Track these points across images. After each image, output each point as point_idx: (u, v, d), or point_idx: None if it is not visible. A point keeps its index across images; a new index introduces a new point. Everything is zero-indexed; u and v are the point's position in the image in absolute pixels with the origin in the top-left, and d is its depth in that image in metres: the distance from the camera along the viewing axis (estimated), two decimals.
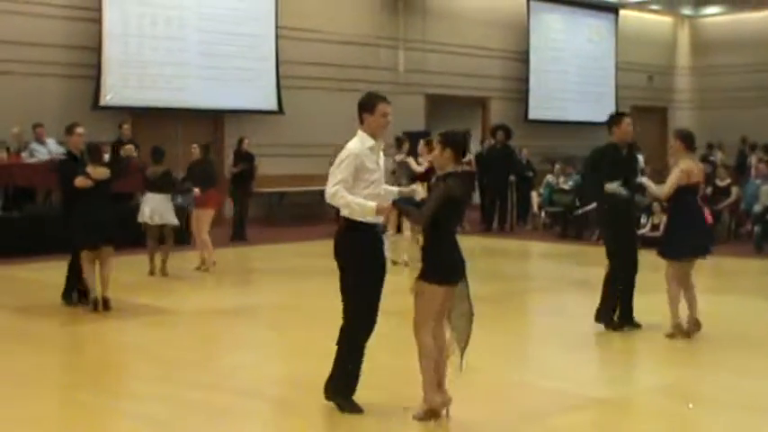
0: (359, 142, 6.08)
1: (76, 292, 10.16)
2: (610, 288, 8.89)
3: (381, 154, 6.22)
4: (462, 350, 5.96)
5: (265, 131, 19.04)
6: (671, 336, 8.48)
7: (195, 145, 13.52)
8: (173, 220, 12.36)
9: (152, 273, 12.30)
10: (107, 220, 9.85)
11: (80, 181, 9.60)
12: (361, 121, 6.14)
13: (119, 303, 9.94)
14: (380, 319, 6.10)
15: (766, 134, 23.70)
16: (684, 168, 8.40)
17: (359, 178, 6.01)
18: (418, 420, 5.83)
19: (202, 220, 12.92)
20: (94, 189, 9.64)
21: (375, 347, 6.16)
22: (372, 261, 6.07)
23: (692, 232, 8.49)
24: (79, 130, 10.19)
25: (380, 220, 6.11)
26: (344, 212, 6.11)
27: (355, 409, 6.10)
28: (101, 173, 9.75)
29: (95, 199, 9.68)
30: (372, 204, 5.90)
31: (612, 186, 8.70)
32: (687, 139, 8.56)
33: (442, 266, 5.83)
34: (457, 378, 5.98)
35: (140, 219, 12.22)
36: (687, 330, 8.56)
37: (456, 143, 5.92)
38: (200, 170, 13.02)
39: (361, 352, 6.13)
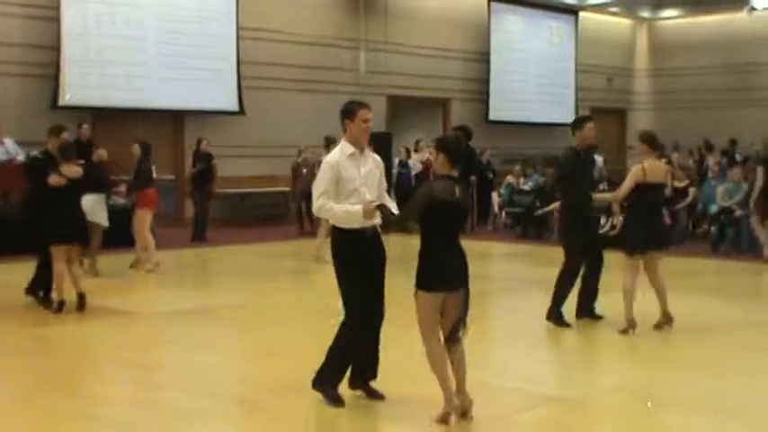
0: (338, 151, 6.25)
1: (43, 290, 10.12)
2: (559, 286, 9.08)
3: (375, 159, 6.34)
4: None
5: (226, 132, 18.97)
6: (623, 332, 8.61)
7: (136, 144, 13.19)
8: (103, 220, 12.23)
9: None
10: (81, 218, 9.95)
11: (54, 179, 9.60)
12: (344, 129, 6.28)
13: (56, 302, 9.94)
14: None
15: (724, 136, 24.06)
16: (644, 166, 8.53)
17: (339, 188, 6.14)
18: (439, 423, 5.84)
19: (143, 219, 12.83)
20: (68, 187, 9.68)
21: None
22: (361, 264, 6.16)
23: (648, 229, 8.64)
24: (65, 135, 10.42)
25: (375, 221, 6.16)
26: (333, 222, 6.27)
27: (338, 402, 6.21)
28: (74, 171, 9.77)
29: (69, 197, 9.71)
30: (358, 208, 6.01)
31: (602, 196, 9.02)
32: (650, 140, 8.71)
33: (429, 272, 5.83)
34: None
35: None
36: (659, 324, 8.77)
37: (448, 148, 5.99)
38: (139, 170, 12.90)
39: (357, 349, 6.26)
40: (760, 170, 15.06)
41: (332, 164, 6.16)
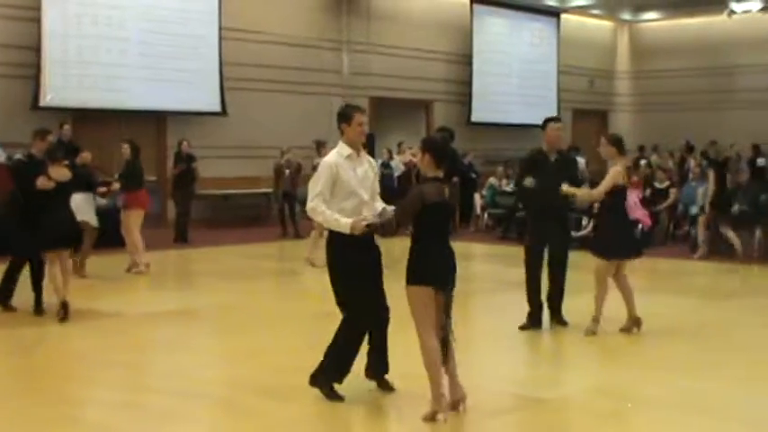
0: (336, 153, 6.41)
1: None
2: (527, 289, 9.15)
3: (369, 161, 6.52)
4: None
5: (209, 133, 18.95)
6: (590, 332, 8.66)
7: (126, 144, 13.16)
8: (92, 219, 12.18)
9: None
10: (73, 220, 9.91)
11: (42, 182, 9.54)
12: (341, 132, 6.45)
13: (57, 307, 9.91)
14: None
15: (704, 137, 24.21)
16: (621, 169, 8.56)
17: (336, 190, 6.28)
18: (426, 421, 5.86)
19: (132, 221, 12.79)
20: (56, 190, 9.60)
21: None
22: (357, 263, 6.24)
23: (623, 232, 8.69)
24: (50, 138, 10.33)
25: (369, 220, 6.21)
26: (324, 225, 6.45)
27: (337, 397, 6.31)
28: (62, 174, 9.72)
29: (58, 200, 9.65)
30: (346, 222, 6.14)
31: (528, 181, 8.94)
32: (618, 143, 8.72)
33: (419, 266, 5.90)
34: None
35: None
36: (626, 327, 8.77)
37: (434, 148, 6.02)
38: (129, 170, 12.87)
39: (357, 347, 6.36)
40: (711, 174, 15.25)
41: (330, 165, 6.30)
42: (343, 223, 6.15)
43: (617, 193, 8.59)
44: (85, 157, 12.34)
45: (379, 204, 6.43)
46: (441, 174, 6.01)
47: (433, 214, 5.90)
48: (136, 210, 12.85)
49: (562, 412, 6.61)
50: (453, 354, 6.07)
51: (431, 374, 5.90)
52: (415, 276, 5.91)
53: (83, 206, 11.68)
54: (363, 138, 6.52)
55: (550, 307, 9.20)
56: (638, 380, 7.35)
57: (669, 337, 8.85)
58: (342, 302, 6.34)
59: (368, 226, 6.11)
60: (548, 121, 9.32)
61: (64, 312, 9.40)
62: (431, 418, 5.87)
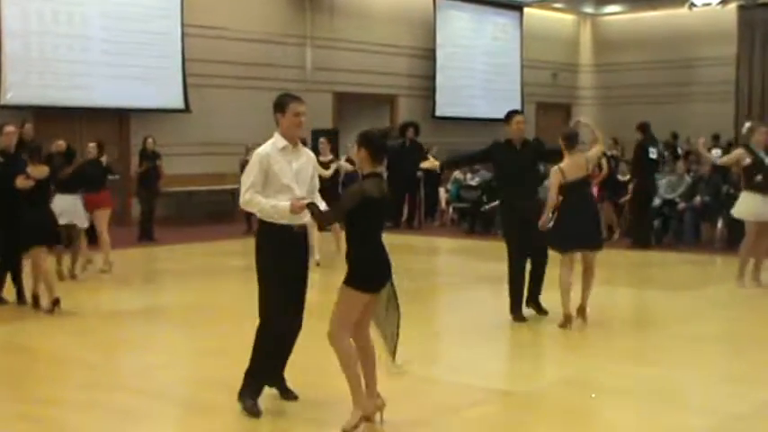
0: (270, 144, 6.06)
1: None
2: (509, 283, 9.21)
3: (308, 155, 6.16)
4: (392, 351, 5.86)
5: (172, 130, 18.84)
6: (563, 325, 8.74)
7: (92, 144, 13.07)
8: (81, 221, 12.09)
9: (60, 276, 11.90)
10: (54, 219, 10.00)
11: (21, 181, 9.49)
12: (277, 123, 6.12)
13: (23, 306, 9.92)
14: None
15: (667, 130, 24.42)
16: (561, 167, 8.68)
17: (269, 182, 5.96)
18: (349, 430, 5.61)
19: (103, 219, 12.72)
20: (35, 188, 9.61)
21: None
22: (285, 261, 5.99)
23: (576, 225, 8.75)
24: (8, 129, 10.11)
25: (303, 219, 5.95)
26: (260, 216, 6.08)
27: (254, 411, 6.02)
28: (41, 171, 9.69)
29: (38, 198, 9.69)
30: (286, 204, 5.83)
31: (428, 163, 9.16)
32: (567, 139, 8.84)
33: (365, 272, 5.67)
34: (387, 379, 5.97)
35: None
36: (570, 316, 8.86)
37: (370, 142, 5.72)
38: (95, 170, 12.76)
39: (270, 353, 6.13)
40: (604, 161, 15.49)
41: (261, 156, 5.97)
42: (281, 207, 5.81)
43: (566, 190, 8.71)
44: (60, 144, 12.22)
45: (320, 203, 6.01)
46: (379, 169, 5.75)
47: (371, 210, 5.63)
48: (105, 208, 12.77)
49: (531, 405, 6.63)
50: (374, 359, 5.77)
51: (349, 377, 5.63)
52: (355, 280, 5.63)
53: (70, 209, 11.58)
54: (300, 129, 6.09)
55: (530, 295, 9.32)
56: (608, 371, 7.44)
57: (638, 328, 9.01)
58: (260, 302, 6.08)
59: (308, 206, 5.75)
60: (512, 113, 9.43)
61: (54, 303, 9.62)
62: (354, 426, 5.61)
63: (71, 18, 17.60)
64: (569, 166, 8.71)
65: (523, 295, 9.24)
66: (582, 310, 8.85)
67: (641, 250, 14.83)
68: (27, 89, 16.92)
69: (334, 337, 5.65)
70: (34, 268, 9.84)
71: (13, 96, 16.72)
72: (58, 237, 10.20)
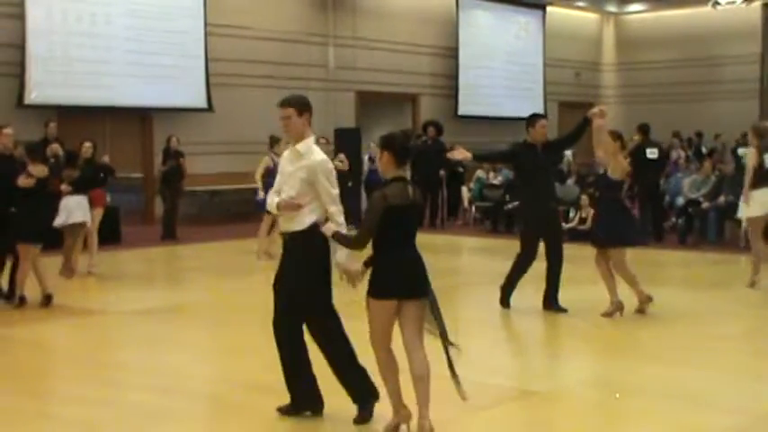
0: (288, 144, 6.15)
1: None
2: (510, 274, 9.55)
3: (310, 161, 5.88)
4: (446, 348, 5.68)
5: (195, 129, 18.89)
6: (608, 314, 9.06)
7: (89, 143, 12.81)
8: (87, 218, 12.00)
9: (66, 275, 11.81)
10: (50, 219, 10.17)
11: (23, 180, 9.58)
12: None
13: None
14: None
15: (691, 128, 24.31)
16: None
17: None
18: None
19: (94, 219, 12.67)
20: (36, 187, 9.69)
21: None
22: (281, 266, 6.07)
23: (614, 221, 9.09)
24: (7, 130, 10.17)
25: (293, 227, 5.86)
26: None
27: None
28: (41, 171, 9.79)
29: (39, 197, 9.75)
30: (276, 199, 5.89)
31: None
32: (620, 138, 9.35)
33: (382, 279, 5.43)
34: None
35: (57, 222, 11.61)
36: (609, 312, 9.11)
37: (393, 145, 5.49)
38: (91, 169, 12.62)
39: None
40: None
41: (282, 156, 6.15)
42: (270, 201, 5.93)
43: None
44: (55, 148, 12.25)
45: (340, 223, 5.81)
46: (403, 172, 5.53)
47: (395, 219, 5.38)
48: (97, 208, 12.78)
49: (552, 404, 6.62)
50: (425, 375, 5.52)
51: (387, 386, 5.60)
52: (374, 289, 5.43)
53: (76, 209, 11.61)
54: (287, 132, 5.98)
55: (548, 295, 9.38)
56: (631, 370, 7.40)
57: (662, 327, 8.90)
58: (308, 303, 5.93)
59: (333, 236, 5.61)
60: (536, 117, 9.53)
61: (47, 300, 9.80)
62: (392, 429, 5.62)
63: (95, 18, 17.69)
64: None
65: (513, 291, 9.53)
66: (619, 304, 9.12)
67: (656, 247, 14.71)
68: (51, 89, 17.02)
69: (372, 343, 5.58)
70: (21, 263, 9.84)
71: (37, 96, 16.82)
72: (51, 237, 10.20)
